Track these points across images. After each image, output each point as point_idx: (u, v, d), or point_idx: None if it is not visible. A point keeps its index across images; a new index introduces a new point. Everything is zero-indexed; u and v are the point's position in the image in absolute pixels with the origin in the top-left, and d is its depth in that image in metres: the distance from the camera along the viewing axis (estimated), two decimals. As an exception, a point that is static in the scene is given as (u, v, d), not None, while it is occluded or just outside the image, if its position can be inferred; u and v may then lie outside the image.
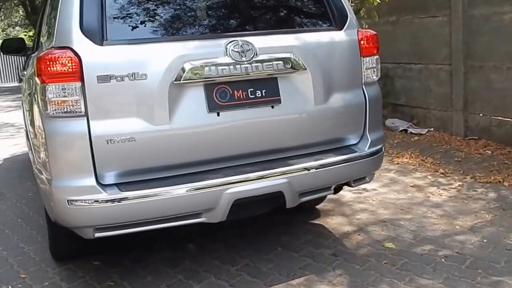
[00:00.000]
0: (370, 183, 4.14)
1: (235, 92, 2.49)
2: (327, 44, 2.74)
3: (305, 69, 2.61)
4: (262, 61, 2.50)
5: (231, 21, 2.71)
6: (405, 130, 5.72)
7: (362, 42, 2.82)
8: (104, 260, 3.03)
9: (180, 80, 2.35)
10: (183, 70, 2.35)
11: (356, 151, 2.78)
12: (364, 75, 2.84)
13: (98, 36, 2.28)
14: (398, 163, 4.77)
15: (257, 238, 3.23)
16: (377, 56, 2.92)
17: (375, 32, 2.95)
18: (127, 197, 2.27)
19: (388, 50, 6.11)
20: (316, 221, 3.47)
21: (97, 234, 2.36)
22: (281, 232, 3.30)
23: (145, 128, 2.33)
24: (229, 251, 3.07)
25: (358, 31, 2.86)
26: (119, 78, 2.26)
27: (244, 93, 2.50)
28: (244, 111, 2.51)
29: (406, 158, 4.87)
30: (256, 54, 2.49)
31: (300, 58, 2.59)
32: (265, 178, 2.49)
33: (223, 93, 2.46)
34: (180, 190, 2.34)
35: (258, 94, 2.53)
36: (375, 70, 2.91)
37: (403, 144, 5.36)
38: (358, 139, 2.86)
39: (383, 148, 2.96)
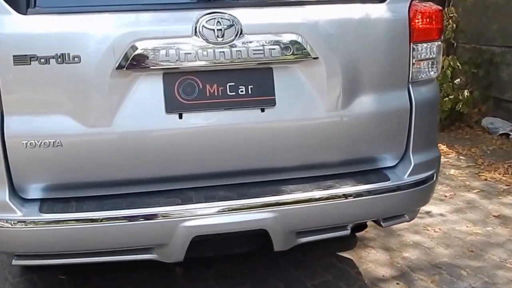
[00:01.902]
0: (438, 205, 3.26)
1: (208, 86, 1.82)
2: (355, 22, 1.93)
3: (317, 58, 1.84)
4: (248, 45, 1.78)
5: None
6: (507, 135, 4.60)
7: (415, 20, 1.96)
8: (73, 274, 2.53)
9: (124, 67, 1.74)
10: (130, 52, 1.73)
11: (389, 179, 1.96)
12: (412, 69, 1.98)
13: (21, 1, 1.73)
14: (486, 179, 3.70)
15: (260, 268, 2.52)
16: (439, 43, 2.04)
17: (439, 7, 2.06)
18: (45, 221, 1.75)
19: (499, 29, 4.94)
20: (345, 254, 2.65)
21: (15, 262, 1.88)
22: (293, 263, 2.54)
23: (76, 131, 1.78)
24: (219, 283, 2.41)
25: (411, 3, 1.99)
26: (42, 60, 1.70)
27: (220, 89, 1.82)
28: (220, 113, 1.84)
29: (499, 174, 3.78)
30: (241, 34, 1.78)
31: (309, 41, 1.83)
32: (241, 210, 1.82)
33: (189, 88, 1.81)
34: (118, 217, 1.77)
35: (242, 91, 1.83)
36: (434, 62, 2.03)
37: (500, 153, 4.24)
38: (396, 161, 2.03)
39: (434, 175, 2.07)
